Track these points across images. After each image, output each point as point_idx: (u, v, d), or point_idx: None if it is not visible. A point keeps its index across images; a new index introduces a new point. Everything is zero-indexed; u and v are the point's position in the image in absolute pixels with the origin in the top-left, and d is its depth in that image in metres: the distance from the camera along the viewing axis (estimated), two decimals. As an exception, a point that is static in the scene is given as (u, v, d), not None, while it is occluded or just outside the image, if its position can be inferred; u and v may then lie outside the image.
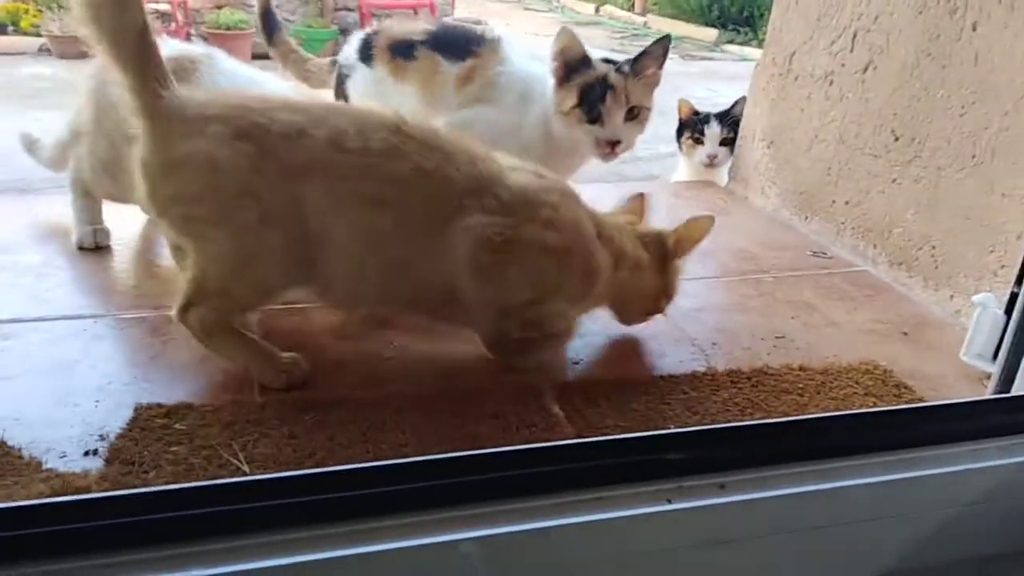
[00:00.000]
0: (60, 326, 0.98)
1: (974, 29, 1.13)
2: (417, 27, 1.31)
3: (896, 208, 1.29)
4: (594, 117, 1.16)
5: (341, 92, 1.36)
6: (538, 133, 1.23)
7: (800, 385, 0.92)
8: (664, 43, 1.19)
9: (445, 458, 0.64)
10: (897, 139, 1.28)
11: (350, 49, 1.37)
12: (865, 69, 1.35)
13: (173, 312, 0.85)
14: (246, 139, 0.78)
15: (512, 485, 0.65)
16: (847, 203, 1.40)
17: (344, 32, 6.67)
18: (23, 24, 6.80)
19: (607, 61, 1.20)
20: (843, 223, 1.41)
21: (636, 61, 1.18)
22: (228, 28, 6.37)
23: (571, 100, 1.17)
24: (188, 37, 6.49)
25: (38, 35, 6.63)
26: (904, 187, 1.27)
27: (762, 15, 8.27)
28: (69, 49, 6.52)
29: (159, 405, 0.79)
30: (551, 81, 1.20)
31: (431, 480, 0.62)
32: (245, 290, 0.84)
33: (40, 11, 6.72)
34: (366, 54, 1.33)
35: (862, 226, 1.37)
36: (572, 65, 1.18)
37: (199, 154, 0.77)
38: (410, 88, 1.28)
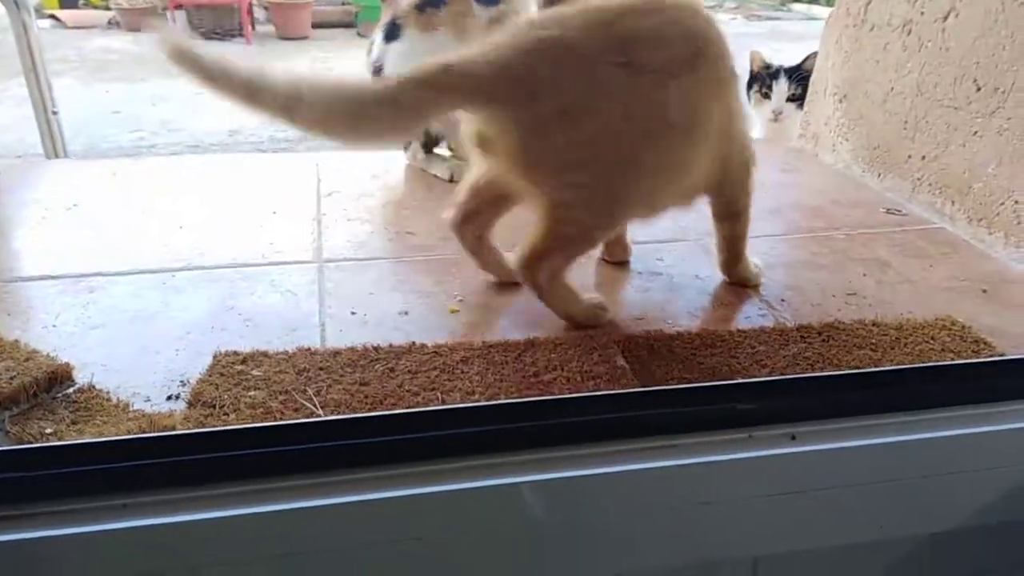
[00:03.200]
0: (143, 279, 1.03)
1: (1069, -32, 1.06)
2: None
3: (977, 162, 1.23)
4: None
5: None
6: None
7: (873, 340, 0.90)
8: None
9: (517, 403, 0.64)
10: (979, 89, 1.22)
11: (376, 47, 1.36)
12: (946, 16, 1.28)
13: (516, 267, 0.88)
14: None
15: (581, 431, 0.66)
16: (924, 158, 1.35)
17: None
18: (94, -2, 7.00)
19: None
20: (919, 179, 1.36)
21: None
22: (289, -3, 6.45)
23: None
24: (251, 7, 6.59)
25: (107, 8, 6.82)
26: (986, 139, 1.21)
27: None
28: (137, 21, 6.69)
29: (235, 352, 0.82)
30: None
31: (504, 423, 0.63)
32: (613, 223, 0.92)
33: (109, -15, 6.90)
34: (392, 33, 1.33)
35: (940, 182, 1.31)
36: None
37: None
38: (441, 37, 1.28)
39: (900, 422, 0.71)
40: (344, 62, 5.87)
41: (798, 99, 1.79)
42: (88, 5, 6.94)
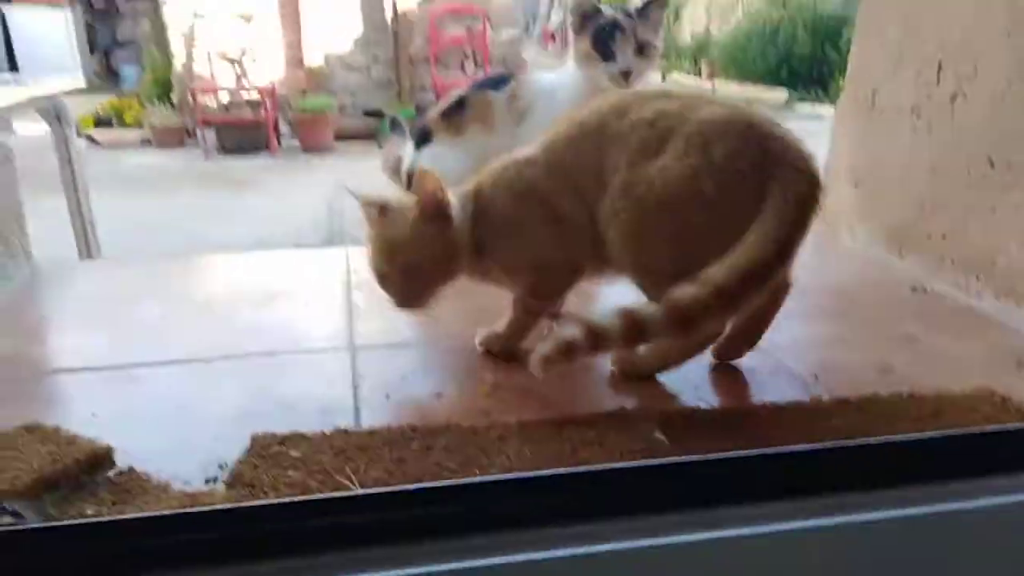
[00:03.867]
0: (181, 368, 1.04)
1: (1069, 49, 1.11)
2: (454, 92, 1.43)
3: (998, 238, 1.24)
4: (607, 55, 1.32)
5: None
6: (573, 100, 1.33)
7: (912, 413, 0.89)
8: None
9: (563, 474, 0.64)
10: (993, 166, 1.25)
11: (408, 156, 1.44)
12: (953, 99, 1.33)
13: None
14: None
15: (625, 502, 0.65)
16: (944, 236, 1.36)
17: (420, 110, 6.98)
18: (127, 118, 7.36)
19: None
20: (942, 257, 1.37)
21: (642, 7, 1.35)
22: (313, 111, 6.74)
23: (586, 44, 1.33)
24: (276, 122, 6.90)
25: (140, 126, 7.16)
26: (1004, 216, 1.23)
27: (832, 73, 8.24)
28: (168, 140, 7.01)
29: (273, 434, 0.82)
30: (571, 36, 1.38)
31: (549, 495, 0.62)
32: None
33: (143, 106, 7.27)
34: (422, 140, 1.40)
35: (963, 258, 1.32)
36: (586, 15, 1.35)
37: None
38: (470, 134, 1.34)
39: (951, 490, 0.70)
40: (364, 169, 6.08)
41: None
42: (122, 125, 7.29)
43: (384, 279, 1.00)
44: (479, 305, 1.13)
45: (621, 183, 0.92)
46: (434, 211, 0.96)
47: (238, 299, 1.31)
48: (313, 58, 6.98)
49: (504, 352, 1.06)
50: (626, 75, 1.32)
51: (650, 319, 0.81)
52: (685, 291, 0.80)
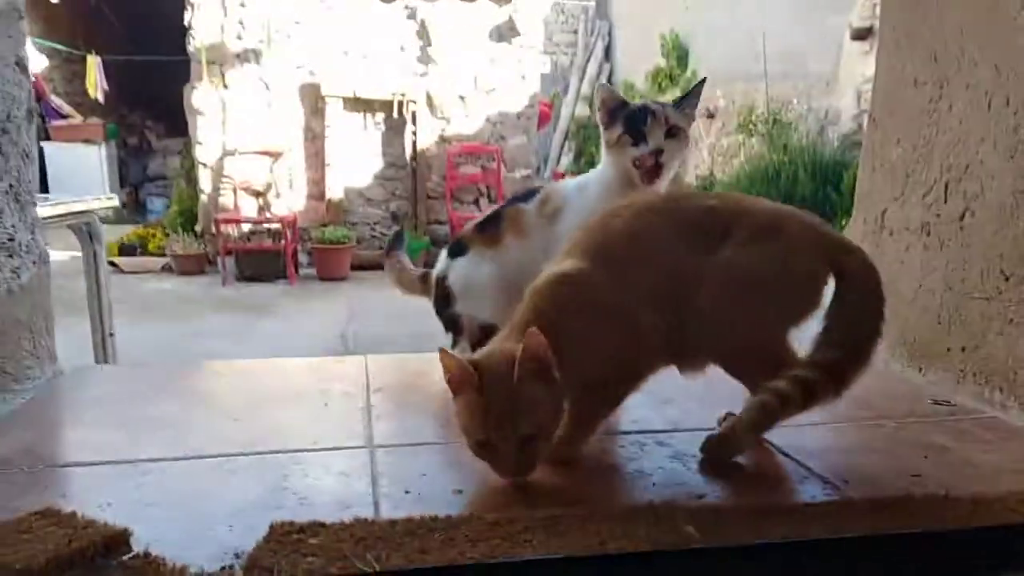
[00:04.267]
0: (198, 463, 1.03)
1: (1071, 165, 1.15)
2: (489, 209, 1.49)
3: (1019, 349, 1.25)
4: (638, 139, 1.31)
5: (444, 302, 1.42)
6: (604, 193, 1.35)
7: (948, 513, 0.86)
8: (701, 84, 1.39)
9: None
10: (1008, 279, 1.27)
11: (441, 261, 1.47)
12: (962, 216, 1.37)
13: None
14: None
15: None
16: (964, 349, 1.36)
17: (435, 243, 7.17)
18: (150, 247, 7.57)
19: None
20: (963, 370, 1.36)
21: (677, 100, 1.37)
22: (332, 242, 6.93)
23: (617, 131, 1.34)
24: (296, 252, 7.08)
25: (163, 255, 7.35)
26: (1023, 327, 1.24)
27: (835, 213, 8.45)
28: (189, 267, 7.19)
29: (292, 523, 0.80)
30: (602, 134, 1.39)
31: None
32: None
33: (167, 235, 7.50)
34: (457, 251, 1.45)
35: (984, 371, 1.32)
36: (613, 109, 1.36)
37: None
38: (504, 244, 1.38)
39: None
40: (379, 299, 6.17)
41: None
42: (145, 252, 7.49)
43: (489, 449, 0.91)
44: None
45: (698, 276, 0.97)
46: (542, 369, 0.91)
47: (257, 400, 1.31)
48: (334, 191, 7.25)
49: (574, 457, 1.03)
50: (658, 154, 1.30)
51: (814, 382, 0.95)
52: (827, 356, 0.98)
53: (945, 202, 1.41)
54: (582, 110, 14.05)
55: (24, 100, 1.32)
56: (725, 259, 0.98)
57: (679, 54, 12.23)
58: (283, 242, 6.94)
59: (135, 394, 1.34)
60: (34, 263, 1.33)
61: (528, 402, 0.90)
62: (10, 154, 1.27)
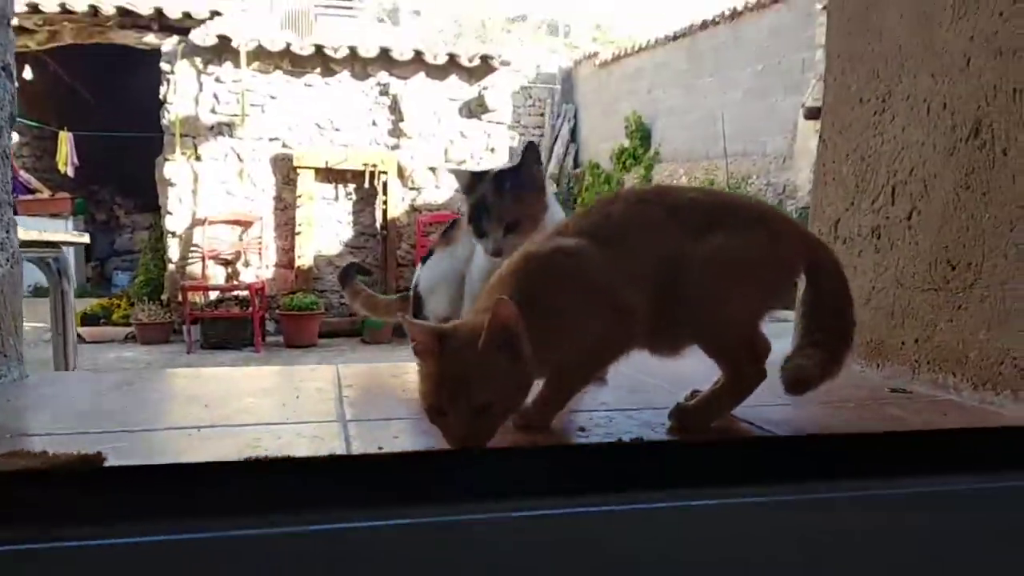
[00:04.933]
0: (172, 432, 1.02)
1: (1005, 154, 1.24)
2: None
3: (967, 332, 1.30)
4: (481, 232, 1.30)
5: (417, 308, 1.47)
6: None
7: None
8: (532, 149, 1.33)
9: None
10: (954, 268, 1.34)
11: (417, 271, 1.53)
12: (909, 216, 1.45)
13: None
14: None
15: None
16: (917, 341, 1.42)
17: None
18: (114, 316, 7.47)
19: (491, 174, 1.34)
20: (917, 360, 1.41)
21: (513, 175, 1.32)
22: (300, 309, 6.91)
23: (467, 218, 1.35)
24: (263, 318, 7.04)
25: (127, 324, 7.26)
26: (971, 310, 1.30)
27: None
28: (153, 335, 7.10)
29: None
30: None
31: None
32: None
33: (132, 304, 7.43)
34: (426, 258, 1.52)
35: (937, 359, 1.37)
36: (467, 188, 1.36)
37: None
38: (460, 241, 1.44)
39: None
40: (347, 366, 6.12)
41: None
42: (109, 322, 7.39)
43: (442, 416, 0.90)
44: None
45: (687, 259, 1.02)
46: (508, 341, 0.90)
47: (229, 394, 1.31)
48: (304, 258, 7.29)
49: (545, 425, 1.04)
50: (497, 253, 1.27)
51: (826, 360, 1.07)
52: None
53: (892, 205, 1.49)
54: (550, 188, 14.39)
55: (7, 104, 1.36)
56: (716, 244, 1.04)
57: (642, 134, 12.70)
58: (250, 309, 6.91)
59: (106, 390, 1.33)
60: (7, 261, 1.34)
61: (487, 371, 0.89)
62: (-9, 152, 1.30)
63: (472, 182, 1.36)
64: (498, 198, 1.29)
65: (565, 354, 1.00)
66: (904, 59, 1.47)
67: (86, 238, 2.46)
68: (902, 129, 1.47)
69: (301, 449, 0.91)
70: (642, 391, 1.31)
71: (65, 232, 2.31)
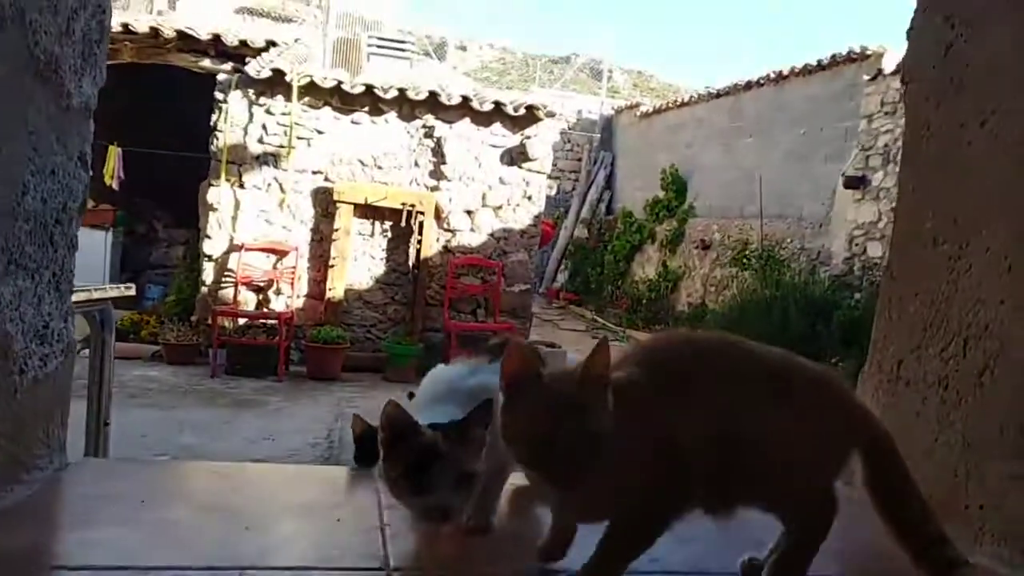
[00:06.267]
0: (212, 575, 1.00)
1: (1091, 334, 1.19)
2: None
3: (1041, 512, 1.24)
4: (423, 488, 1.09)
5: None
6: None
7: None
8: (487, 407, 1.11)
9: None
10: (1029, 440, 1.28)
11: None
12: (982, 373, 1.39)
13: None
14: None
15: None
16: (982, 507, 1.36)
17: (429, 349, 7.17)
18: (143, 333, 7.53)
19: (433, 427, 1.13)
20: (980, 528, 1.35)
21: (463, 425, 1.12)
22: (326, 342, 6.92)
23: (397, 469, 1.11)
24: (288, 348, 7.06)
25: (155, 343, 7.31)
26: (1046, 489, 1.24)
27: (824, 350, 8.53)
28: (179, 356, 7.13)
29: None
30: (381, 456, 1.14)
31: None
32: None
33: (161, 322, 7.48)
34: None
35: (1004, 531, 1.31)
36: (398, 434, 1.11)
37: None
38: None
39: None
40: (367, 402, 6.10)
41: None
42: (137, 339, 7.44)
43: (541, 450, 0.90)
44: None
45: (756, 427, 1.01)
46: (602, 381, 0.92)
47: (266, 509, 1.28)
48: (335, 291, 7.31)
49: None
50: (445, 513, 1.09)
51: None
52: None
53: (964, 358, 1.44)
54: (581, 232, 14.41)
55: (80, 194, 1.36)
56: (788, 417, 1.04)
57: (677, 187, 12.69)
58: (277, 338, 6.93)
59: (144, 493, 1.31)
60: (62, 351, 1.33)
61: (591, 402, 0.91)
62: (59, 244, 1.30)
63: (412, 424, 1.12)
64: (451, 445, 1.10)
65: (620, 501, 0.97)
66: (987, 209, 1.43)
67: (132, 291, 2.45)
68: (979, 283, 1.43)
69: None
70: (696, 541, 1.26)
71: (112, 286, 2.31)
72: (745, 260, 10.52)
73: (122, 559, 1.02)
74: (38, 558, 1.03)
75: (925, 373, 1.53)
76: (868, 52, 9.19)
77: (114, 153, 8.71)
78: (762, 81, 11.06)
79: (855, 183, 9.03)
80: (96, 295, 2.15)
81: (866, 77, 8.99)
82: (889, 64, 8.62)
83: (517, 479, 1.42)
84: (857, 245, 9.11)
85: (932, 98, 1.58)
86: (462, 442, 1.11)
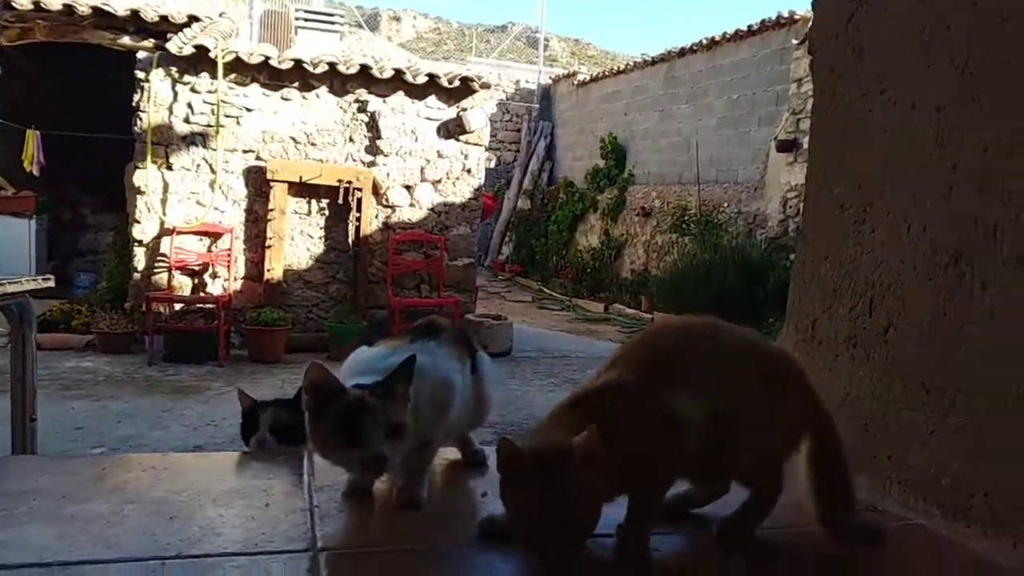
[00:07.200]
0: (133, 567, 0.99)
1: (984, 289, 1.26)
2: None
3: (940, 459, 1.31)
4: (354, 439, 1.12)
5: None
6: None
7: None
8: (410, 363, 1.18)
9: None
10: (929, 392, 1.35)
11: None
12: (886, 331, 1.46)
13: None
14: None
15: None
16: (890, 457, 1.43)
17: (372, 326, 7.12)
18: (75, 323, 7.29)
19: (358, 386, 1.17)
20: (888, 478, 1.42)
21: (387, 382, 1.16)
22: (267, 324, 6.82)
23: (326, 427, 1.14)
24: (228, 332, 6.93)
25: (88, 332, 7.09)
26: (944, 437, 1.31)
27: (761, 310, 8.76)
28: (114, 345, 6.94)
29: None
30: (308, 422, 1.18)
31: None
32: None
33: (92, 311, 7.25)
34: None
35: (909, 479, 1.38)
36: (324, 394, 1.15)
37: None
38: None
39: None
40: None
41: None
42: (68, 329, 7.20)
43: (545, 541, 0.98)
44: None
45: (736, 405, 1.13)
46: (599, 462, 0.97)
47: (191, 497, 1.27)
48: (273, 272, 7.19)
49: (641, 555, 1.09)
50: (380, 461, 1.14)
51: None
52: None
53: (870, 316, 1.50)
54: (524, 204, 14.42)
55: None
56: (761, 396, 1.16)
57: (617, 156, 12.79)
58: (215, 322, 6.80)
59: (66, 489, 1.28)
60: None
61: (583, 496, 0.97)
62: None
63: (336, 386, 1.16)
64: (377, 399, 1.14)
65: (635, 480, 1.06)
66: (886, 175, 1.49)
67: (51, 282, 2.37)
68: (881, 244, 1.49)
69: (271, 606, 0.88)
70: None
71: (28, 277, 2.22)
72: (684, 226, 10.70)
73: (37, 556, 1.00)
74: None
75: (836, 332, 1.60)
76: (796, 17, 9.35)
77: (32, 137, 8.36)
78: (695, 47, 11.17)
79: (787, 147, 9.24)
80: (11, 288, 2.08)
81: (795, 41, 9.16)
82: (816, 28, 8.78)
83: (447, 454, 1.44)
84: (791, 207, 9.34)
85: (836, 68, 1.62)
86: (387, 397, 1.15)
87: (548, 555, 0.99)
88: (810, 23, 1.78)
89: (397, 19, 27.12)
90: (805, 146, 8.96)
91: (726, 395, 1.14)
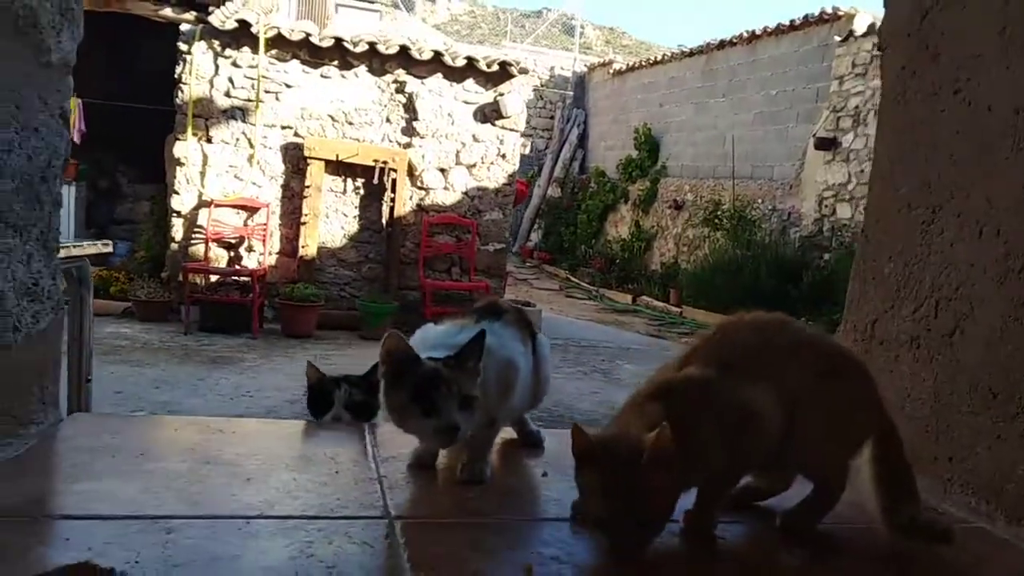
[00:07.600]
0: (218, 524, 1.02)
1: (1058, 296, 1.25)
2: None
3: (1005, 464, 1.31)
4: (430, 410, 1.16)
5: None
6: None
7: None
8: (480, 338, 1.22)
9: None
10: (995, 396, 1.34)
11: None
12: (952, 333, 1.46)
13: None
14: None
15: None
16: (951, 459, 1.43)
17: (404, 307, 7.18)
18: (112, 290, 7.40)
19: (431, 359, 1.21)
20: (950, 479, 1.42)
21: (459, 356, 1.20)
22: (300, 300, 6.89)
23: (402, 396, 1.18)
24: (262, 305, 7.01)
25: (125, 300, 7.20)
26: (1011, 442, 1.31)
27: (794, 309, 8.70)
28: (151, 313, 7.05)
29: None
30: (383, 390, 1.22)
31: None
32: None
33: (130, 279, 7.36)
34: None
35: (972, 482, 1.38)
36: (400, 364, 1.19)
37: None
38: None
39: None
40: (344, 359, 6.12)
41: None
42: (107, 295, 7.32)
43: (609, 526, 1.00)
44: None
45: (804, 399, 1.15)
46: (668, 461, 0.98)
47: (265, 461, 1.30)
48: (308, 249, 7.25)
49: (706, 533, 1.14)
50: (453, 430, 1.16)
51: None
52: None
53: (935, 318, 1.50)
54: (554, 192, 14.40)
55: (63, 151, 1.34)
56: (830, 393, 1.18)
57: (650, 147, 12.70)
58: (250, 295, 6.88)
59: (140, 447, 1.32)
60: (53, 309, 1.33)
61: (649, 490, 0.98)
62: (45, 202, 1.29)
63: (414, 356, 1.20)
64: (451, 371, 1.19)
65: (711, 470, 1.10)
66: (958, 176, 1.47)
67: (110, 247, 2.42)
68: (951, 245, 1.48)
69: (355, 572, 0.91)
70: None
71: (87, 243, 2.28)
72: (717, 220, 10.61)
73: (128, 508, 1.04)
74: (43, 508, 1.04)
75: (898, 332, 1.59)
76: (840, 13, 9.20)
77: (75, 105, 8.46)
78: (735, 41, 11.04)
79: (826, 144, 9.12)
80: (74, 251, 2.12)
81: (837, 38, 9.02)
82: (860, 26, 8.65)
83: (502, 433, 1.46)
84: (827, 206, 9.24)
85: (907, 65, 1.61)
86: (459, 370, 1.19)
87: (613, 539, 1.01)
88: (875, 15, 1.76)
89: (433, 0, 27.05)
90: (844, 145, 8.86)
91: (798, 391, 1.16)
